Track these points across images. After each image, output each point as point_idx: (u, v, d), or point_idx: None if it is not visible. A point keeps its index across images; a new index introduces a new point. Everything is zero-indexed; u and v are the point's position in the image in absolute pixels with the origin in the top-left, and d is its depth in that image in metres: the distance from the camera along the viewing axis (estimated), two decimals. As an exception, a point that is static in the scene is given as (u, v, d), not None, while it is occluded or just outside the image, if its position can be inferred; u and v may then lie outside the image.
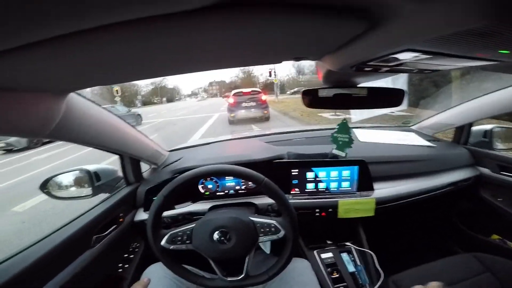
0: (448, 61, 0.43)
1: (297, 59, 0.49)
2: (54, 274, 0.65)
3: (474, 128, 1.26)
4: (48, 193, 0.85)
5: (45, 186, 0.85)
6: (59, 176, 0.88)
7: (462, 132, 1.25)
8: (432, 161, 1.12)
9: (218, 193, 1.02)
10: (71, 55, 0.32)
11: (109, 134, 0.77)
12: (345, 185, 1.01)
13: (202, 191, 1.01)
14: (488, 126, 1.23)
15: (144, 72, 0.47)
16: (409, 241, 1.44)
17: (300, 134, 1.42)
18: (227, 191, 1.02)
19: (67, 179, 0.89)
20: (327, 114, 8.21)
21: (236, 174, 0.70)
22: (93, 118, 0.67)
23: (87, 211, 0.85)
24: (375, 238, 1.08)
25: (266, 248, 1.02)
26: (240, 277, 0.69)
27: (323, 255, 1.02)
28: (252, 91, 8.80)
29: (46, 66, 0.35)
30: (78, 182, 0.90)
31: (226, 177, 1.01)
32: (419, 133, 1.38)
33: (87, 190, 0.89)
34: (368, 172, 0.99)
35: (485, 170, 1.16)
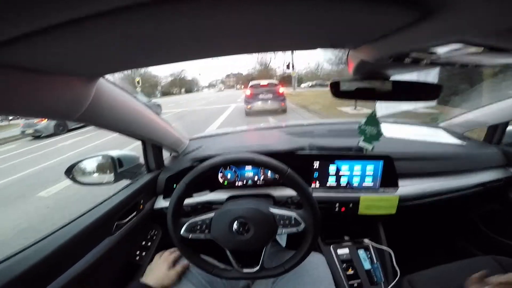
0: (500, 57, 0.38)
1: (334, 46, 0.46)
2: (75, 260, 0.66)
3: (509, 128, 1.16)
4: (73, 179, 0.87)
5: (70, 172, 0.86)
6: (83, 161, 0.89)
7: (495, 131, 1.16)
8: (461, 159, 1.06)
9: (236, 183, 1.00)
10: (102, 37, 0.31)
11: (135, 120, 0.77)
12: (368, 180, 0.97)
13: (221, 180, 1.00)
14: None
15: (174, 55, 0.46)
16: (428, 240, 1.39)
17: (322, 126, 1.38)
18: (245, 181, 1.00)
19: (91, 165, 0.91)
20: (348, 108, 7.98)
21: (259, 164, 0.69)
22: (120, 103, 0.68)
23: (109, 197, 0.86)
24: (394, 236, 1.04)
25: (282, 240, 1.01)
26: (255, 269, 0.69)
27: (339, 251, 1.00)
28: (269, 83, 8.76)
29: (76, 49, 0.34)
30: (101, 168, 0.91)
31: (246, 167, 0.99)
32: (448, 130, 1.30)
33: (110, 176, 0.90)
34: (393, 168, 0.94)
35: None
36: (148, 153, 1.01)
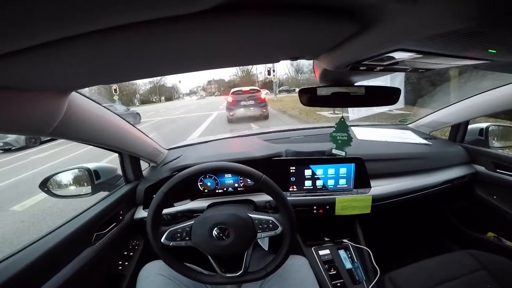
0: (441, 60, 0.44)
1: (294, 58, 0.50)
2: (54, 272, 0.65)
3: (471, 126, 1.27)
4: (48, 192, 0.86)
5: (45, 185, 0.85)
6: (59, 174, 0.89)
7: (458, 130, 1.27)
8: (428, 158, 1.13)
9: (217, 191, 1.02)
10: (75, 56, 0.33)
11: (110, 132, 0.78)
12: (342, 182, 1.02)
13: (201, 188, 1.02)
14: (484, 124, 1.24)
15: (146, 71, 0.49)
16: (405, 238, 1.46)
17: (298, 132, 1.43)
18: (225, 189, 1.03)
19: (66, 177, 0.90)
20: (326, 112, 8.22)
21: (235, 171, 0.71)
22: (94, 116, 0.68)
23: (87, 209, 0.85)
24: (372, 235, 1.09)
25: (265, 245, 1.04)
26: (238, 273, 0.70)
27: (321, 252, 1.03)
28: (251, 89, 8.84)
29: (49, 66, 0.36)
30: (78, 181, 0.90)
31: (225, 175, 1.02)
32: (415, 131, 1.39)
33: (87, 189, 0.90)
34: (364, 169, 1.00)
35: (481, 168, 1.17)
36: (125, 164, 1.02)
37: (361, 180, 1.01)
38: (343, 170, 1.01)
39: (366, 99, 0.72)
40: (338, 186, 1.02)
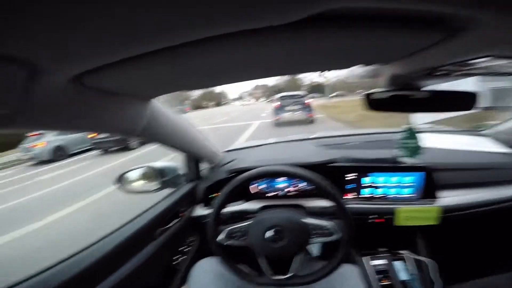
0: None
1: (367, 64, 0.50)
2: (122, 264, 0.71)
3: None
4: (121, 187, 0.97)
5: (119, 181, 0.96)
6: (130, 172, 0.99)
7: None
8: (508, 169, 0.98)
9: (267, 194, 1.03)
10: (160, 67, 0.39)
11: (181, 134, 0.85)
12: (407, 191, 0.94)
13: (253, 191, 1.04)
14: None
15: (222, 79, 0.54)
16: (474, 252, 1.26)
17: (353, 138, 1.35)
18: (276, 192, 1.03)
19: (136, 175, 1.00)
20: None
21: (298, 176, 0.73)
22: (170, 121, 0.76)
23: (153, 205, 0.93)
24: (436, 247, 1.01)
25: (314, 250, 1.01)
26: (287, 276, 0.71)
27: (374, 262, 0.99)
28: (297, 94, 9.09)
29: (139, 76, 0.43)
30: (145, 178, 1.00)
31: (277, 179, 1.02)
32: (493, 138, 1.20)
33: (154, 185, 0.98)
34: (432, 180, 0.91)
35: None
36: (189, 164, 1.09)
37: (429, 190, 0.92)
38: (409, 179, 0.93)
39: (437, 105, 0.64)
40: (401, 195, 0.94)
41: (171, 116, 0.77)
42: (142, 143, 7.72)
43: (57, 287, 0.56)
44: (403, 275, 0.94)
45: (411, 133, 0.94)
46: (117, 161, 6.55)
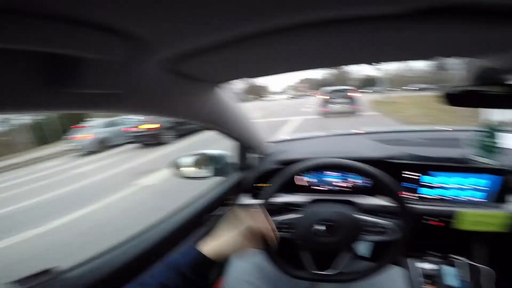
0: None
1: (455, 56, 0.48)
2: (172, 249, 0.73)
3: None
4: (177, 172, 1.03)
5: (174, 166, 1.02)
6: (185, 158, 1.04)
7: None
8: None
9: (314, 187, 1.00)
10: (243, 54, 0.41)
11: (238, 123, 0.87)
12: (477, 194, 0.86)
13: (299, 183, 1.01)
14: None
15: (299, 65, 0.55)
16: None
17: (414, 134, 1.22)
18: (324, 186, 0.99)
19: (189, 161, 1.04)
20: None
21: (362, 172, 0.68)
22: (231, 108, 0.78)
23: (207, 192, 0.96)
24: (496, 256, 0.92)
25: (361, 248, 0.98)
26: (333, 272, 0.70)
27: (422, 265, 0.94)
28: (344, 88, 10.04)
29: (220, 62, 0.45)
30: (198, 165, 1.03)
31: (327, 173, 0.98)
32: None
33: (207, 172, 1.01)
34: (508, 184, 0.82)
35: None
36: (241, 153, 1.10)
37: (501, 194, 0.83)
38: (481, 181, 0.84)
39: None
40: (468, 198, 0.86)
41: (231, 103, 0.78)
42: (175, 138, 8.06)
43: (121, 267, 0.60)
44: (452, 281, 0.89)
45: (491, 131, 0.86)
46: (162, 151, 7.01)
